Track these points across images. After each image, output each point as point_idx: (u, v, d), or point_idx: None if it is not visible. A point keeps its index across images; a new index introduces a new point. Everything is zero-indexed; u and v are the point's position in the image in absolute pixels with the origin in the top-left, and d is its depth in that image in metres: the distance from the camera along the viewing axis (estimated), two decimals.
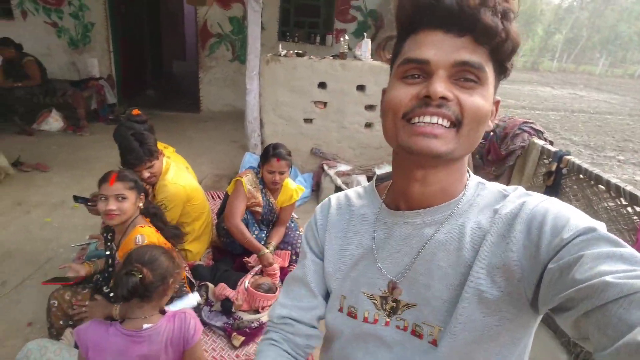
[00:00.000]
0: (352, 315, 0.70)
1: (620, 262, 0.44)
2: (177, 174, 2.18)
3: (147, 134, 2.03)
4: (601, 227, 0.49)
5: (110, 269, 1.75)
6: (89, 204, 2.07)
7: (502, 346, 0.58)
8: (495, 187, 0.64)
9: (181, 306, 1.64)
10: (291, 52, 4.05)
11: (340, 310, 0.72)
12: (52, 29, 6.08)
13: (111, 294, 1.62)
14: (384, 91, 0.64)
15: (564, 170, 2.61)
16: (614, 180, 2.22)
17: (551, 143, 3.01)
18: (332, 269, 0.74)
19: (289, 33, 6.63)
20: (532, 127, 3.04)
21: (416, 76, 0.56)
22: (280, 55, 3.99)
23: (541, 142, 2.93)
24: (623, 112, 12.23)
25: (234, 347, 1.79)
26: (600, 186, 2.34)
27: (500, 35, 0.52)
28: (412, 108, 0.55)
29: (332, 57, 4.12)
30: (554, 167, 2.67)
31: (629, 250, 0.45)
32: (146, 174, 2.01)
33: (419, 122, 0.55)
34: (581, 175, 2.50)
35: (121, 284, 1.23)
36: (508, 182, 3.20)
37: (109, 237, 1.79)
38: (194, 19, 6.64)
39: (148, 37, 8.32)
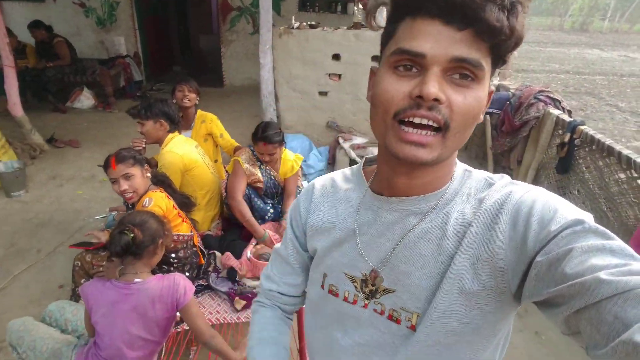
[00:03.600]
0: (333, 293, 0.71)
1: (610, 255, 0.43)
2: (177, 144, 2.28)
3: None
4: (589, 218, 0.49)
5: None
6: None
7: (484, 338, 0.59)
8: (481, 174, 0.63)
9: None
10: (304, 23, 4.01)
11: (322, 287, 0.73)
12: (80, 9, 6.29)
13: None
14: (372, 73, 0.62)
15: (577, 141, 2.52)
16: (625, 152, 2.13)
17: (569, 112, 2.88)
18: (315, 247, 0.75)
19: (310, 3, 6.52)
20: (548, 96, 2.91)
21: (409, 67, 0.52)
22: (292, 27, 3.96)
23: (557, 112, 2.80)
24: None
25: (236, 310, 1.94)
26: (612, 158, 2.25)
27: (505, 33, 0.49)
28: (403, 108, 0.52)
29: (345, 28, 4.05)
30: (567, 138, 2.57)
31: (618, 242, 0.45)
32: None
33: (406, 129, 0.53)
34: (594, 147, 2.40)
35: (114, 241, 1.37)
36: (522, 154, 3.11)
37: (130, 207, 2.00)
38: None
39: (174, 13, 8.40)
